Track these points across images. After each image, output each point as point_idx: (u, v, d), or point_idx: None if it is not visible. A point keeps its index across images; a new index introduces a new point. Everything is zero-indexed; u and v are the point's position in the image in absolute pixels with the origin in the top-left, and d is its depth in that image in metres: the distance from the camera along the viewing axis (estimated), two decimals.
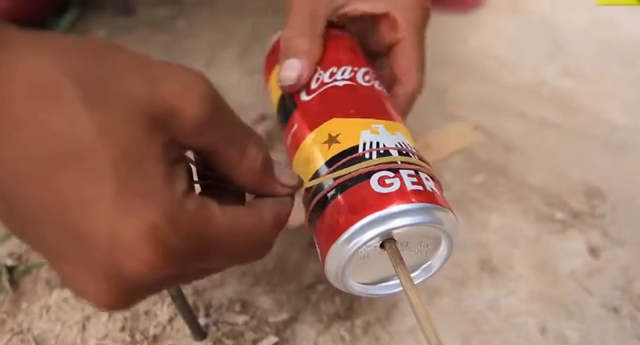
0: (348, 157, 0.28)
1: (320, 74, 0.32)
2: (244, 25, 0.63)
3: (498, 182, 0.46)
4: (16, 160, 0.17)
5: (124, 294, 0.19)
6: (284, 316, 0.35)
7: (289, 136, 0.32)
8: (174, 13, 0.65)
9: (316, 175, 0.28)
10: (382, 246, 0.26)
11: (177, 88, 0.19)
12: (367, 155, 0.27)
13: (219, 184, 0.23)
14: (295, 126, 0.31)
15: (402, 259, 0.26)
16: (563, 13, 0.67)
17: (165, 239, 0.18)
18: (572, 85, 0.57)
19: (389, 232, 0.26)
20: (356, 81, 0.32)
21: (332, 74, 0.32)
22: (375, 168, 0.27)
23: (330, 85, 0.31)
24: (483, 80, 0.57)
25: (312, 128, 0.30)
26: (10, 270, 0.37)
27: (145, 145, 0.18)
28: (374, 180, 0.26)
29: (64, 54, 0.18)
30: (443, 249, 0.29)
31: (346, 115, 0.30)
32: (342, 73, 0.32)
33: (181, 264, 0.19)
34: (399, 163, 0.27)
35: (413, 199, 0.26)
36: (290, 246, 0.39)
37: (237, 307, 0.36)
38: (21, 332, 0.34)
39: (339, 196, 0.27)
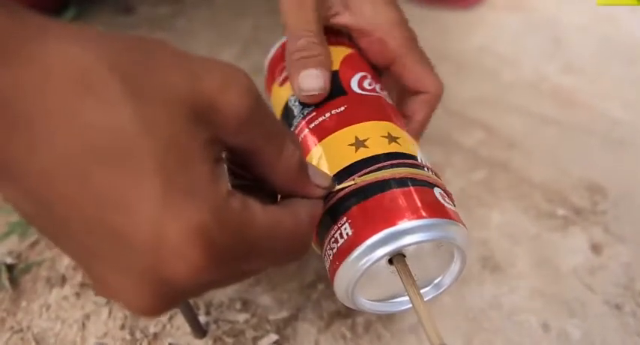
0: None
1: None
2: (244, 25, 0.63)
3: (499, 179, 0.45)
4: (53, 157, 0.16)
5: (165, 298, 0.18)
6: (285, 314, 0.35)
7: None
8: (175, 12, 0.65)
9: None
10: (390, 261, 0.26)
11: (219, 83, 0.18)
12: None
13: (254, 185, 0.23)
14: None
15: (407, 266, 0.26)
16: (564, 11, 0.67)
17: (212, 239, 0.17)
18: (572, 82, 0.56)
19: (400, 249, 0.25)
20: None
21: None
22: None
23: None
24: (484, 77, 0.57)
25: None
26: (10, 268, 0.37)
27: (190, 142, 0.17)
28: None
29: (104, 47, 0.17)
30: (455, 264, 0.29)
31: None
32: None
33: (226, 265, 0.18)
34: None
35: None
36: None
37: (238, 306, 0.35)
38: (21, 330, 0.34)
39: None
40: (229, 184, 0.19)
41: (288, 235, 0.21)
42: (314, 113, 0.31)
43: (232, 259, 0.19)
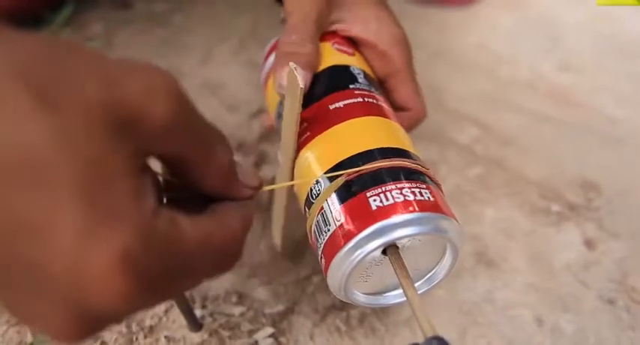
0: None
1: None
2: (241, 21, 0.63)
3: (495, 175, 0.46)
4: None
5: (90, 326, 0.17)
6: (280, 307, 0.35)
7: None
8: (172, 8, 0.65)
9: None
10: (384, 252, 0.26)
11: (141, 88, 0.17)
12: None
13: (189, 195, 0.22)
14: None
15: (401, 257, 0.26)
16: (560, 9, 0.67)
17: (138, 264, 0.16)
18: (569, 80, 0.57)
19: (393, 242, 0.26)
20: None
21: None
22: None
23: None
24: (481, 75, 0.57)
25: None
26: None
27: (111, 156, 0.16)
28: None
29: (7, 52, 0.15)
30: (447, 258, 0.29)
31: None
32: None
33: (155, 288, 0.17)
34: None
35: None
36: None
37: (234, 299, 0.36)
38: (17, 323, 0.34)
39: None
40: (155, 200, 0.18)
41: (220, 246, 0.20)
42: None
43: (162, 281, 0.17)
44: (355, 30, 0.35)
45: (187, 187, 0.22)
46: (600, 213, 0.43)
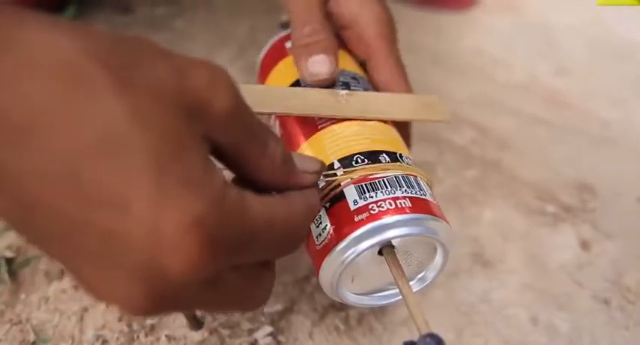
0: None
1: None
2: (241, 26, 0.64)
3: (491, 177, 0.46)
4: (39, 155, 0.15)
5: (160, 297, 0.17)
6: (279, 306, 0.36)
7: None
8: (172, 13, 0.66)
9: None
10: (380, 252, 0.27)
11: (207, 79, 0.18)
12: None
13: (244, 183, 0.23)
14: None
15: (396, 256, 0.27)
16: (555, 13, 0.68)
17: (210, 232, 0.17)
18: (564, 83, 0.58)
19: (384, 242, 0.26)
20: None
21: None
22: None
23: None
24: (477, 78, 0.58)
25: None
26: (9, 262, 0.38)
27: (183, 134, 0.17)
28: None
29: (89, 38, 0.16)
30: (438, 259, 0.29)
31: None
32: None
33: (225, 258, 0.18)
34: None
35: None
36: None
37: None
38: (20, 322, 0.35)
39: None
40: (223, 177, 0.19)
41: (284, 225, 0.21)
42: None
43: (230, 251, 0.18)
44: (334, 8, 0.34)
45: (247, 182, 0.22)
46: (595, 214, 0.44)
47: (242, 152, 0.21)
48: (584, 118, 0.53)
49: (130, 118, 0.16)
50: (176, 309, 0.19)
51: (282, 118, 0.32)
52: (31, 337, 0.34)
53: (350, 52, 0.35)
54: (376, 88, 0.34)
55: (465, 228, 0.42)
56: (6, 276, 0.37)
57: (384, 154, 0.28)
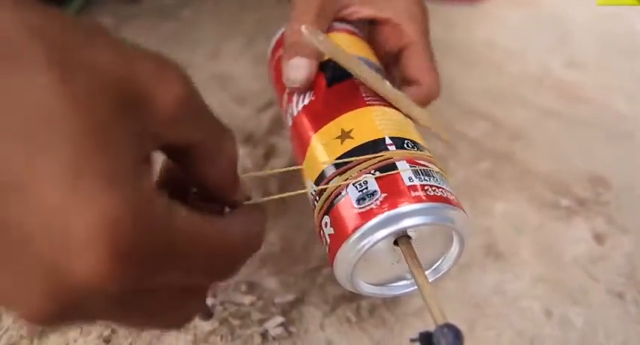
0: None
1: None
2: (249, 16, 0.64)
3: (503, 169, 0.46)
4: None
5: (62, 304, 0.15)
6: (290, 297, 0.35)
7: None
8: (180, 3, 0.66)
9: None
10: (396, 243, 0.27)
11: (153, 71, 0.17)
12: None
13: (184, 193, 0.22)
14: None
15: (412, 246, 0.26)
16: (568, 6, 0.67)
17: (125, 239, 0.15)
18: (576, 76, 0.57)
19: (400, 231, 0.26)
20: None
21: None
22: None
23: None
24: (489, 70, 0.57)
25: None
26: None
27: (115, 127, 0.15)
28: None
29: (30, 11, 0.15)
30: (454, 249, 0.29)
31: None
32: None
33: (138, 273, 0.16)
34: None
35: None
36: (296, 229, 0.40)
37: (244, 288, 0.36)
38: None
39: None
40: (154, 185, 0.17)
41: (213, 248, 0.18)
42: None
43: (146, 265, 0.16)
44: (365, 10, 0.34)
45: (191, 183, 0.21)
46: (609, 208, 0.43)
47: (194, 149, 0.19)
48: (598, 112, 0.52)
49: (57, 98, 0.14)
50: (80, 320, 0.17)
51: (319, 82, 0.32)
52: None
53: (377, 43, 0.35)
54: (409, 76, 0.34)
55: (477, 220, 0.41)
56: None
57: (419, 145, 0.29)
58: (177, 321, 0.21)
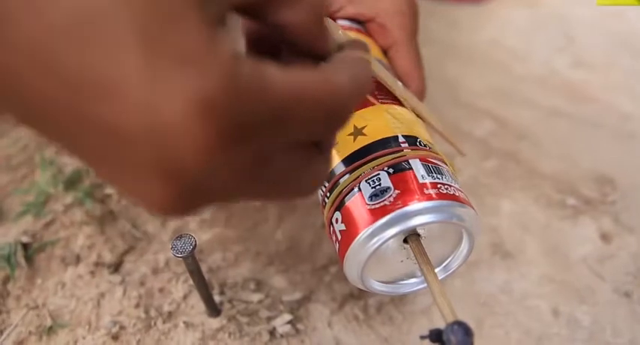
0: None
1: None
2: None
3: (509, 169, 0.46)
4: (9, 42, 0.14)
5: (187, 190, 0.15)
6: (298, 295, 0.36)
7: None
8: None
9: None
10: (405, 241, 0.27)
11: None
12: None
13: (275, 52, 0.20)
14: None
15: (422, 244, 0.26)
16: (573, 6, 0.67)
17: (217, 109, 0.14)
18: (582, 76, 0.57)
19: (410, 229, 0.26)
20: None
21: None
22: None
23: None
24: (495, 70, 0.57)
25: None
26: (25, 247, 0.38)
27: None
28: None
29: None
30: (464, 247, 0.29)
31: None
32: None
33: (243, 139, 0.15)
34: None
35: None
36: (303, 228, 0.40)
37: (252, 286, 0.36)
38: (36, 307, 0.35)
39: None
40: (234, 47, 0.16)
41: (318, 102, 0.17)
42: None
43: (254, 131, 0.15)
44: (350, 9, 0.34)
45: (277, 39, 0.20)
46: (616, 207, 0.43)
47: None
48: (603, 111, 0.52)
49: None
50: (211, 200, 0.16)
51: None
52: (48, 322, 0.34)
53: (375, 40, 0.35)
54: (396, 75, 0.34)
55: (484, 219, 0.41)
56: (22, 261, 0.37)
57: (430, 143, 0.29)
58: (305, 187, 0.20)
